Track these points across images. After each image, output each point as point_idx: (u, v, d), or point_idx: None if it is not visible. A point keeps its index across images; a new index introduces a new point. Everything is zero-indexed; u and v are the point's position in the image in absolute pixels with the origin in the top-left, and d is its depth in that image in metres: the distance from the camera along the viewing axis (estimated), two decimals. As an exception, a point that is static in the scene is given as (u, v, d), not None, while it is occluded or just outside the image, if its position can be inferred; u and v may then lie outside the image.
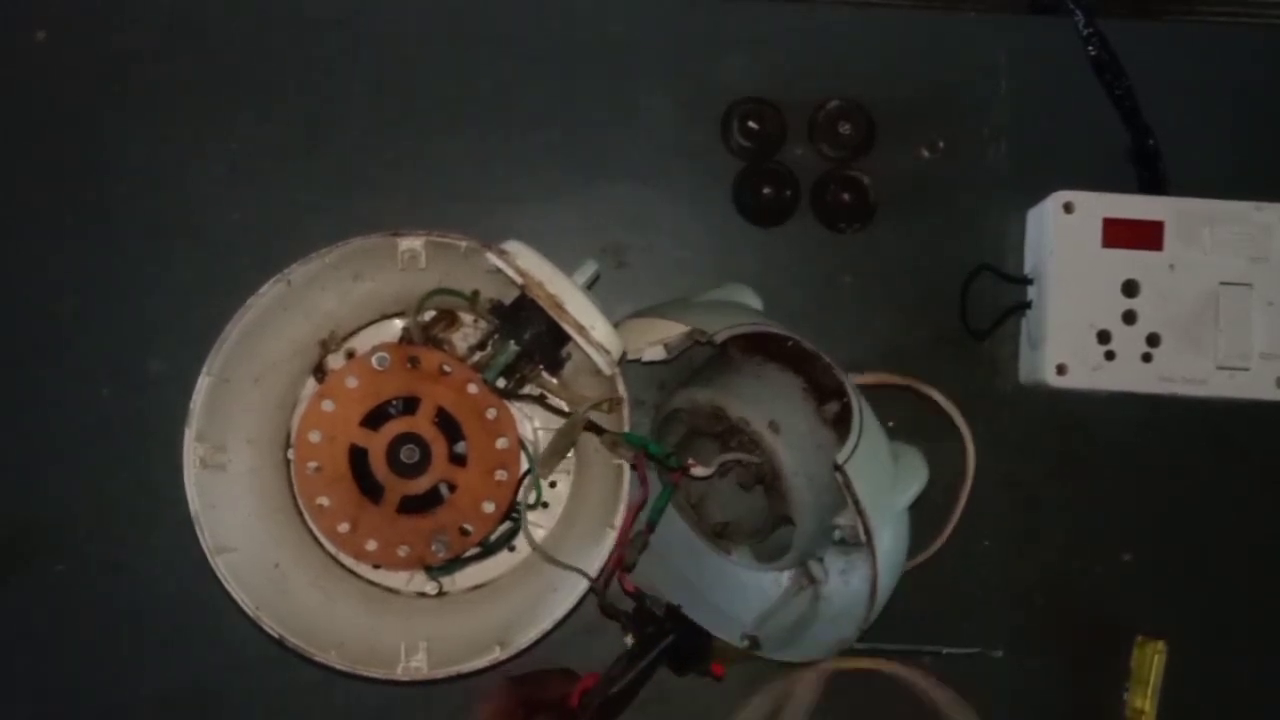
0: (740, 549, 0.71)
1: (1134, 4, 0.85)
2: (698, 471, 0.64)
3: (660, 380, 0.73)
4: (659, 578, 0.71)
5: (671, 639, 0.64)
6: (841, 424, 0.64)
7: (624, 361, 0.64)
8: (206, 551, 0.63)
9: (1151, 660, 0.74)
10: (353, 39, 0.75)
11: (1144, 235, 0.72)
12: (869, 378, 0.73)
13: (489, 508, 0.66)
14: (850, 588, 0.70)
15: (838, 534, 0.69)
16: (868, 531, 0.61)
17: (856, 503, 0.61)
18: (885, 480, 0.64)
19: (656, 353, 0.65)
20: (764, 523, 0.68)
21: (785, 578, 0.73)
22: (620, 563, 0.64)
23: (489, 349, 0.66)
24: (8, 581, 0.73)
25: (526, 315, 0.64)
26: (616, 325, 0.65)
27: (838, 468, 0.61)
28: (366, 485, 0.66)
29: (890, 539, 0.64)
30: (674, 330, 0.64)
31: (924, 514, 0.67)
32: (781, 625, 0.71)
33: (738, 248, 0.76)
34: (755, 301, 0.70)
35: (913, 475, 0.66)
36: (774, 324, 0.65)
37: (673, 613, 0.65)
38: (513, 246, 0.64)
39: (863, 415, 0.63)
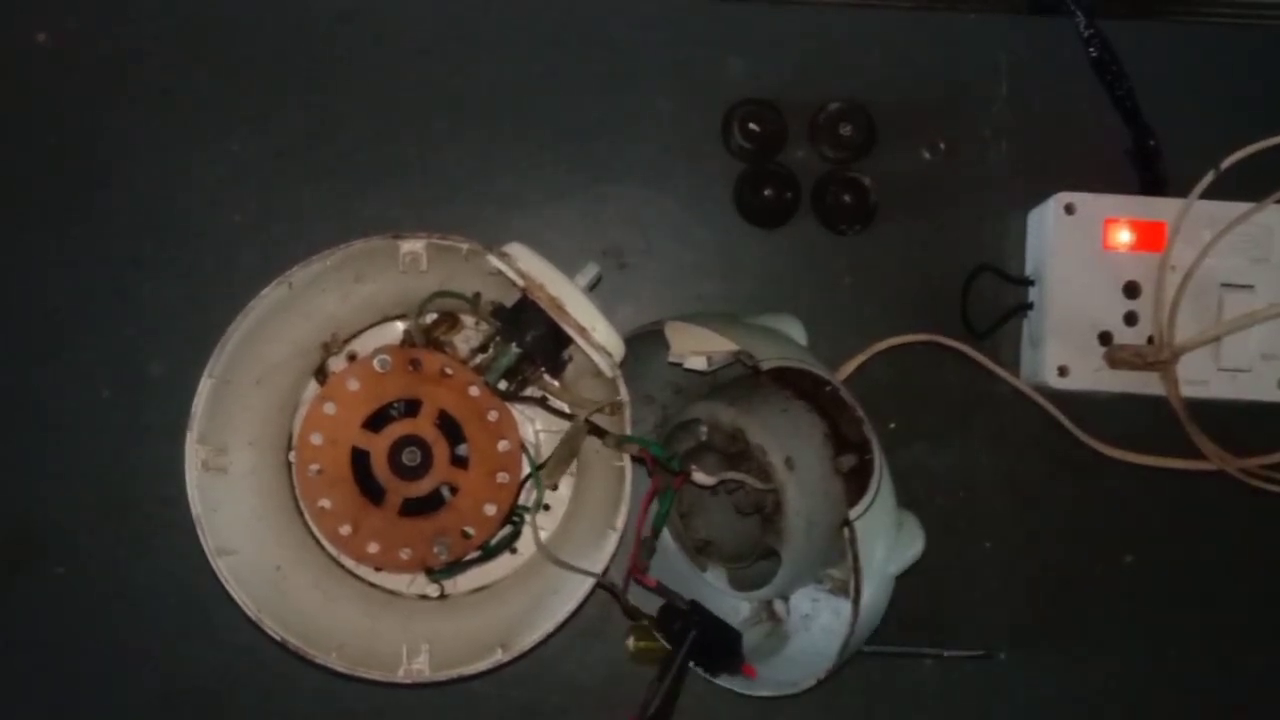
0: (717, 570, 0.71)
1: (1134, 4, 0.85)
2: (699, 478, 0.64)
3: (676, 384, 0.73)
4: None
5: (694, 634, 0.63)
6: (853, 478, 0.64)
7: (625, 364, 0.64)
8: (208, 553, 0.62)
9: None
10: (354, 40, 0.75)
11: (1145, 236, 0.72)
12: (891, 341, 0.74)
13: (491, 510, 0.66)
14: (810, 633, 0.70)
15: (827, 584, 0.69)
16: (857, 590, 0.62)
17: (856, 560, 0.61)
18: (886, 544, 0.65)
19: (699, 362, 0.65)
20: (749, 551, 0.68)
21: (745, 607, 0.73)
22: (636, 563, 0.65)
23: (490, 351, 0.66)
24: (8, 582, 0.73)
25: (528, 317, 0.64)
26: (658, 324, 0.65)
27: (847, 522, 0.62)
28: (368, 488, 0.66)
29: (873, 601, 0.64)
30: (720, 345, 0.64)
31: (925, 513, 0.67)
32: None
33: (739, 249, 0.76)
34: (800, 335, 0.70)
35: (909, 543, 0.66)
36: (820, 366, 0.65)
37: (696, 606, 0.65)
38: (514, 249, 0.64)
39: (882, 474, 0.63)
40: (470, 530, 0.66)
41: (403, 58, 0.75)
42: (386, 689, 0.65)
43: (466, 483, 0.66)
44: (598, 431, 0.65)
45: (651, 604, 0.67)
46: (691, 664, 0.67)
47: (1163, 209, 0.72)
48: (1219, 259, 0.72)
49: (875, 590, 0.64)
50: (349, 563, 0.69)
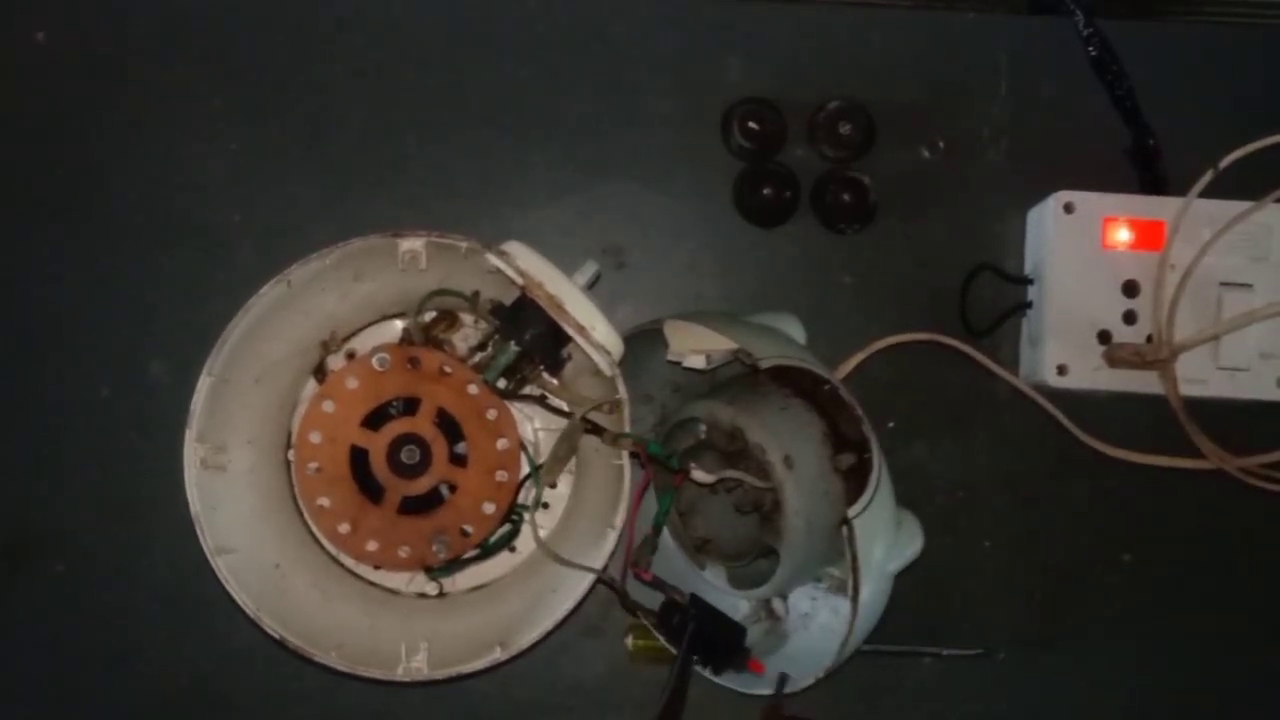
0: (716, 568, 0.71)
1: (1134, 4, 0.85)
2: (699, 476, 0.64)
3: (675, 383, 0.73)
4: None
5: (693, 627, 0.63)
6: (851, 477, 0.65)
7: (624, 362, 0.64)
8: (207, 552, 0.62)
9: None
10: (353, 39, 0.75)
11: (1145, 235, 0.72)
12: (890, 340, 0.74)
13: (489, 508, 0.66)
14: (809, 631, 0.70)
15: (825, 583, 0.69)
16: (856, 589, 0.62)
17: (854, 558, 0.61)
18: (885, 542, 0.65)
19: (698, 361, 0.65)
20: (748, 549, 0.68)
21: (744, 605, 0.73)
22: (630, 555, 0.65)
23: (489, 350, 0.66)
24: (9, 582, 0.73)
25: (527, 316, 0.64)
26: (659, 322, 0.65)
27: (846, 521, 0.62)
28: (367, 486, 0.66)
29: (872, 600, 0.64)
30: (719, 343, 0.64)
31: (924, 512, 0.67)
32: None
33: (738, 248, 0.76)
34: (800, 334, 0.70)
35: (908, 542, 0.66)
36: (818, 364, 0.65)
37: (695, 600, 0.65)
38: (513, 247, 0.64)
39: (881, 473, 0.63)
40: (469, 528, 0.66)
41: (403, 58, 0.75)
42: (385, 687, 0.65)
43: (465, 481, 0.66)
44: (596, 429, 0.65)
45: (654, 602, 0.67)
46: (696, 662, 0.67)
47: (1162, 208, 0.72)
48: (1218, 258, 0.72)
49: (874, 589, 0.64)
50: (348, 561, 0.69)
